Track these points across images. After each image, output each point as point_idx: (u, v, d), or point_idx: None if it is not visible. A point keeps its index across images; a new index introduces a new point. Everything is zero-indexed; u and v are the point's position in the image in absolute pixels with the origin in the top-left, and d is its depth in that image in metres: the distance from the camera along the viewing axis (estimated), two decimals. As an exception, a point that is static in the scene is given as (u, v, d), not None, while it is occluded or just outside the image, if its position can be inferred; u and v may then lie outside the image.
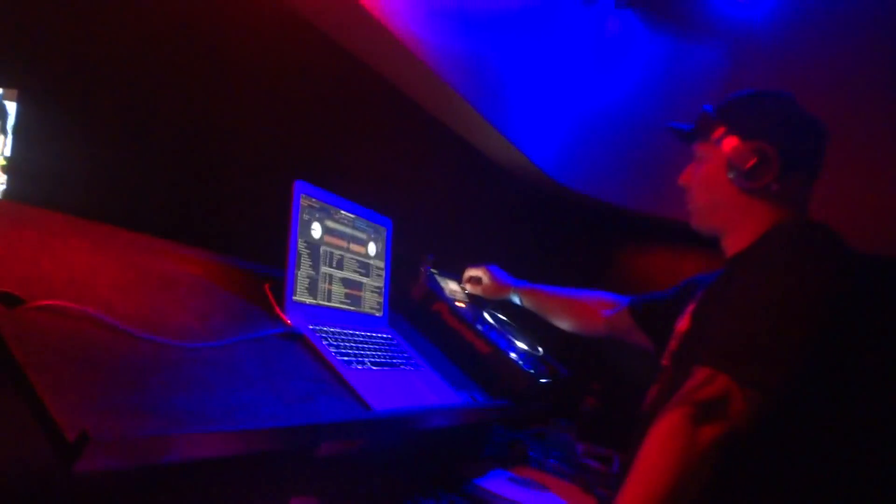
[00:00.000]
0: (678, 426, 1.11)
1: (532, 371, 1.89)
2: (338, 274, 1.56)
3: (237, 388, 1.02)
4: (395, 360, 1.53)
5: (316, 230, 1.50)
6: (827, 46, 2.56)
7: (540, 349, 2.19)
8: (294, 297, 1.41)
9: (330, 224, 1.55)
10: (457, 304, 2.05)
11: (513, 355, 1.93)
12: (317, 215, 1.50)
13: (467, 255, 2.52)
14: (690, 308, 1.48)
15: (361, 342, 1.50)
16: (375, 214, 1.73)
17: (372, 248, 1.71)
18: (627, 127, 2.65)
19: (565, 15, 2.36)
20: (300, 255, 1.44)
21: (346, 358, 1.36)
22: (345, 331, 1.49)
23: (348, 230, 1.61)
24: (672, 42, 2.66)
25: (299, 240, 1.44)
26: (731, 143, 1.37)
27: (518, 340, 2.09)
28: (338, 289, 1.55)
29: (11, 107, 1.19)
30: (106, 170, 1.33)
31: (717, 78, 2.68)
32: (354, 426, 1.15)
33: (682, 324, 1.47)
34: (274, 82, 1.67)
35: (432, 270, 2.10)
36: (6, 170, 1.20)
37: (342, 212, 1.60)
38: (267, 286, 1.44)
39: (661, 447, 1.11)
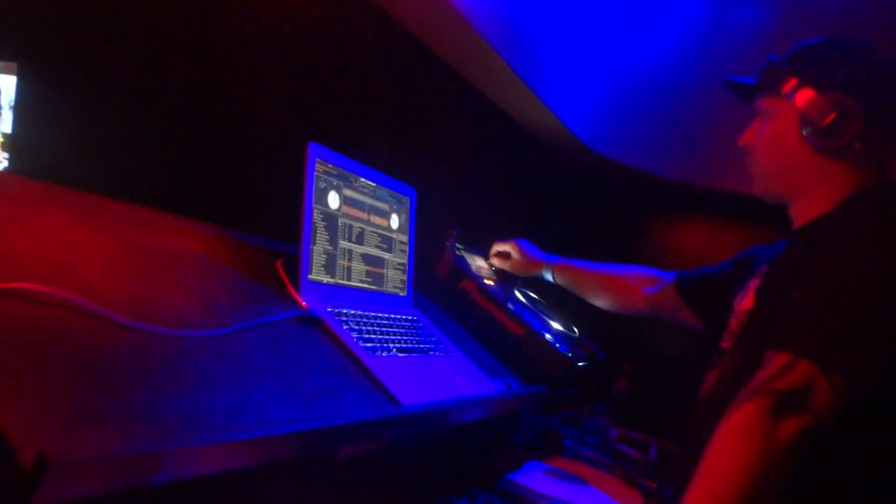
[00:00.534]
0: (756, 420, 0.96)
1: (570, 354, 1.73)
2: (358, 249, 1.39)
3: (246, 383, 0.86)
4: (422, 346, 1.37)
5: (333, 200, 1.33)
6: (878, 13, 2.34)
7: (576, 330, 2.02)
8: (309, 276, 1.25)
9: (348, 193, 1.38)
10: (486, 281, 1.88)
11: (548, 337, 1.76)
12: (334, 183, 1.33)
13: (494, 228, 2.34)
14: (753, 284, 1.31)
15: (385, 326, 1.34)
16: (398, 183, 1.56)
17: (395, 221, 1.54)
18: (664, 89, 2.45)
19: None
20: (316, 227, 1.27)
21: (369, 344, 1.20)
22: (367, 313, 1.33)
23: (369, 200, 1.45)
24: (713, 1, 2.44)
25: (315, 210, 1.27)
26: (805, 95, 1.19)
27: (553, 321, 1.92)
28: (358, 266, 1.39)
29: (10, 80, 1.12)
30: (108, 140, 1.17)
31: (761, 35, 2.47)
32: (383, 425, 0.99)
33: (745, 302, 1.30)
34: (282, 35, 1.50)
35: (458, 245, 1.93)
36: (6, 147, 1.10)
37: (362, 179, 1.43)
38: (279, 263, 1.27)
39: (736, 444, 0.95)
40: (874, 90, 1.17)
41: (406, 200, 1.59)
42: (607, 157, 2.40)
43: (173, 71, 1.29)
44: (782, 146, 1.24)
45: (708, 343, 1.48)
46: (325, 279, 1.29)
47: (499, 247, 2.03)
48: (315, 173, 1.28)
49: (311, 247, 1.25)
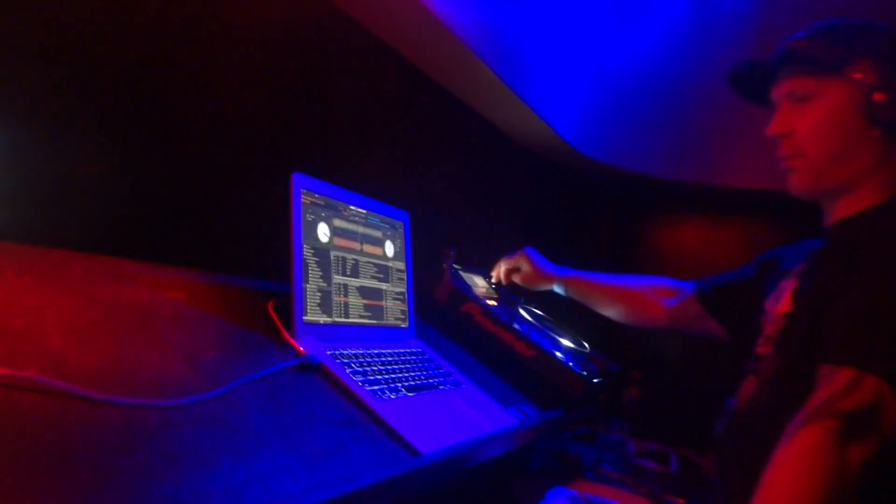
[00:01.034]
0: (822, 445, 0.87)
1: (585, 372, 1.63)
2: (353, 283, 1.29)
3: (245, 453, 0.75)
4: (431, 380, 1.27)
5: (323, 232, 1.23)
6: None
7: (586, 345, 1.92)
8: (304, 318, 1.14)
9: (338, 223, 1.28)
10: (488, 302, 1.79)
11: (559, 355, 1.67)
12: (322, 214, 1.23)
13: (489, 244, 2.25)
14: (788, 285, 1.22)
15: (390, 363, 1.23)
16: (390, 208, 1.46)
17: (389, 248, 1.44)
18: (651, 87, 2.39)
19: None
20: (307, 264, 1.17)
21: (375, 387, 1.10)
22: (369, 351, 1.23)
23: (361, 229, 1.35)
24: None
25: (304, 245, 1.17)
26: (869, 70, 1.07)
27: (562, 337, 1.83)
28: (355, 300, 1.29)
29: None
30: (68, 185, 1.06)
31: (744, 26, 2.41)
32: (401, 481, 0.88)
33: (782, 304, 1.21)
34: (253, 57, 1.40)
35: (455, 266, 1.84)
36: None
37: (351, 207, 1.33)
38: (270, 305, 1.17)
39: (803, 472, 0.87)
40: None
41: (399, 225, 1.49)
42: (599, 161, 2.33)
43: (135, 101, 1.19)
44: (840, 130, 1.10)
45: (736, 349, 1.39)
46: (322, 319, 1.18)
47: (507, 262, 1.91)
48: (301, 205, 1.18)
49: (303, 285, 1.15)
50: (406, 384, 1.18)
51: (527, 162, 2.43)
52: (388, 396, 1.09)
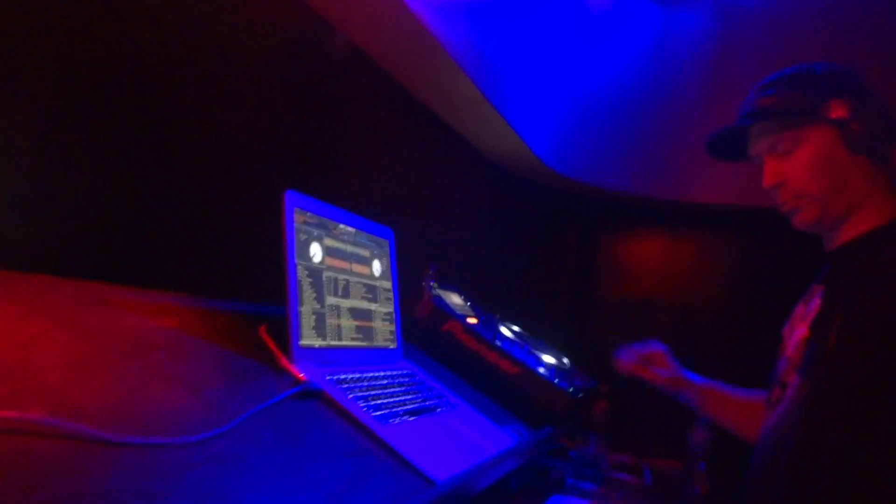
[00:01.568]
0: None
1: (570, 389, 1.62)
2: (345, 304, 1.25)
3: (264, 493, 0.70)
4: (427, 403, 1.24)
5: (315, 252, 1.18)
6: (821, 10, 2.38)
7: (566, 360, 1.92)
8: (301, 342, 1.09)
9: (329, 243, 1.23)
10: (468, 320, 1.76)
11: (543, 371, 1.65)
12: (315, 233, 1.19)
13: (463, 260, 2.23)
14: (800, 311, 1.27)
15: (386, 386, 1.19)
16: (375, 225, 1.42)
17: (377, 267, 1.40)
18: (617, 105, 2.42)
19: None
20: (301, 285, 1.12)
21: (378, 413, 1.05)
22: (364, 375, 1.18)
23: (349, 248, 1.30)
24: (659, 13, 2.44)
25: (298, 266, 1.12)
26: (837, 107, 1.16)
27: (543, 353, 1.81)
28: (347, 322, 1.24)
29: None
30: (43, 206, 0.98)
31: (707, 49, 2.47)
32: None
33: (800, 330, 1.23)
34: (234, 77, 1.35)
35: (433, 284, 1.81)
36: None
37: (341, 226, 1.28)
38: (262, 329, 1.12)
39: None
40: (868, 94, 1.18)
41: (385, 243, 1.45)
42: (568, 177, 2.34)
43: (117, 120, 1.12)
44: (830, 166, 1.17)
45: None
46: (317, 343, 1.13)
47: (640, 355, 1.62)
48: (295, 225, 1.13)
49: (298, 308, 1.10)
50: (405, 408, 1.14)
51: (498, 179, 2.43)
52: (392, 423, 1.05)
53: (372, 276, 1.37)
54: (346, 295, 1.25)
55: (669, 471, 2.28)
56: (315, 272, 1.17)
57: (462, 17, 1.46)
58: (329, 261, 1.22)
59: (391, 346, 1.39)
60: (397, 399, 1.16)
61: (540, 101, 2.03)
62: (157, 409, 0.74)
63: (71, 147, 1.03)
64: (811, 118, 1.17)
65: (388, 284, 1.43)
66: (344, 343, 1.22)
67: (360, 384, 1.12)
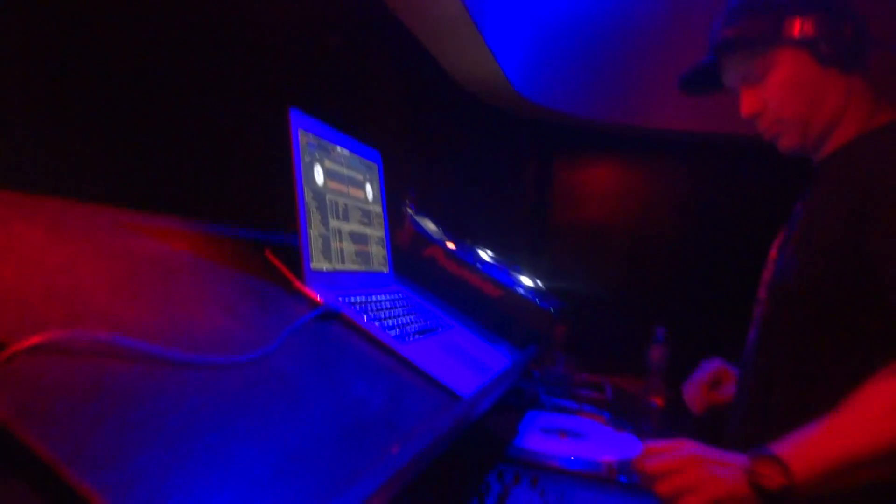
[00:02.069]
0: None
1: (551, 308, 1.67)
2: (346, 228, 1.23)
3: (326, 407, 0.71)
4: (429, 324, 1.26)
5: (318, 174, 1.16)
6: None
7: (539, 282, 1.97)
8: (311, 265, 1.08)
9: (329, 165, 1.21)
10: (448, 245, 1.77)
11: (522, 292, 1.69)
12: (316, 155, 1.16)
13: (424, 187, 2.22)
14: (781, 234, 1.27)
15: (390, 308, 1.20)
16: (366, 148, 1.40)
17: (369, 191, 1.38)
18: (584, 29, 2.41)
19: None
20: (308, 208, 1.10)
21: (393, 332, 1.06)
22: (370, 298, 1.18)
23: (346, 171, 1.28)
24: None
25: (305, 188, 1.10)
26: (802, 24, 1.13)
27: (520, 275, 1.85)
28: (348, 246, 1.23)
29: None
30: (44, 125, 0.92)
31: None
32: (458, 426, 0.87)
33: (773, 251, 1.26)
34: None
35: (412, 210, 1.80)
36: None
37: (338, 148, 1.25)
38: (268, 253, 1.10)
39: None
40: (833, 4, 1.15)
41: (375, 167, 1.43)
42: (535, 103, 2.34)
43: (105, 35, 1.04)
44: (804, 85, 1.16)
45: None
46: (325, 266, 1.12)
47: (707, 378, 1.44)
48: (300, 146, 1.10)
49: (308, 231, 1.08)
50: (412, 328, 1.16)
51: (466, 105, 2.40)
52: (410, 342, 1.07)
53: (366, 200, 1.36)
54: (345, 219, 1.24)
55: (629, 387, 2.41)
56: (319, 195, 1.14)
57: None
58: (330, 184, 1.19)
59: (384, 271, 1.40)
60: (404, 320, 1.17)
61: (515, 24, 2.00)
62: (204, 330, 0.73)
63: (69, 67, 0.96)
64: (776, 42, 1.15)
65: (379, 209, 1.42)
66: (346, 267, 1.21)
67: (368, 306, 1.13)
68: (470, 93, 2.29)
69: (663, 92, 2.48)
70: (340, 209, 1.22)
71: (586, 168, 2.99)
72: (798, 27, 1.14)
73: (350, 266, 1.22)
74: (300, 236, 1.06)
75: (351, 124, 1.55)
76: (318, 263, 1.11)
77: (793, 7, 1.15)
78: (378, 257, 1.37)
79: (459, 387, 0.98)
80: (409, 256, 1.72)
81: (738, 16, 1.20)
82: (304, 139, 1.12)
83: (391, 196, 1.75)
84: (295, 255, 1.07)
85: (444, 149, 2.44)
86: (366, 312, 1.07)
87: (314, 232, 1.11)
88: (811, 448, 0.87)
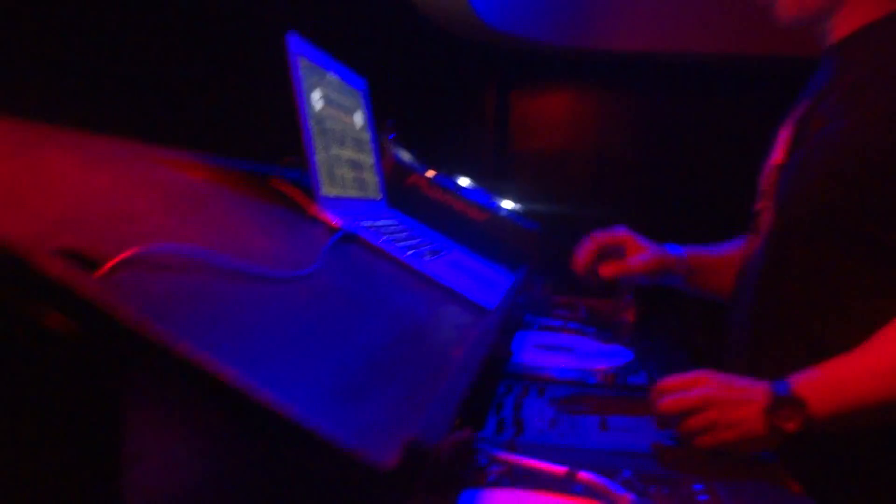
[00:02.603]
0: None
1: (536, 228, 1.71)
2: (344, 154, 1.22)
3: (383, 318, 0.73)
4: (434, 247, 1.27)
5: (317, 101, 1.14)
6: None
7: (513, 203, 2.00)
8: (322, 192, 1.07)
9: (325, 92, 1.18)
10: (427, 173, 1.77)
11: (505, 214, 1.72)
12: (314, 81, 1.14)
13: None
14: (784, 134, 1.13)
15: (398, 233, 1.21)
16: (352, 74, 1.37)
17: (358, 118, 1.37)
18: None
19: None
20: (313, 134, 1.08)
21: (409, 253, 1.08)
22: (375, 223, 1.19)
23: (339, 97, 1.26)
24: None
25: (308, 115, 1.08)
26: None
27: (498, 199, 1.88)
28: (347, 173, 1.22)
29: None
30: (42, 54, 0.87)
31: None
32: (493, 333, 0.90)
33: (776, 156, 1.13)
34: None
35: (391, 139, 1.79)
36: None
37: (329, 74, 1.23)
38: (274, 182, 1.08)
39: None
40: None
41: (360, 94, 1.41)
42: (494, 29, 2.32)
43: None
44: None
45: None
46: (333, 192, 1.12)
47: (598, 246, 1.29)
48: (300, 72, 1.07)
49: (315, 157, 1.07)
50: (423, 250, 1.17)
51: (429, 36, 2.36)
52: (427, 261, 1.08)
53: (357, 127, 1.34)
54: (343, 145, 1.23)
55: (601, 306, 2.50)
56: (320, 121, 1.13)
57: None
58: (327, 110, 1.18)
59: (378, 198, 1.40)
60: (412, 242, 1.19)
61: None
62: (255, 250, 0.73)
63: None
64: None
65: (367, 136, 1.41)
66: (348, 193, 1.21)
67: (378, 230, 1.13)
68: (434, 22, 2.25)
69: (621, 11, 2.49)
70: (338, 136, 1.21)
71: (545, 95, 3.00)
72: None
73: (350, 193, 1.22)
74: (309, 163, 1.05)
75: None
76: (327, 189, 1.10)
77: None
78: (372, 184, 1.37)
79: (483, 300, 1.00)
80: (390, 186, 1.71)
81: None
82: (303, 65, 1.09)
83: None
84: (297, 185, 1.07)
85: (408, 80, 2.41)
86: (381, 235, 1.08)
87: (320, 158, 1.09)
88: (835, 389, 0.84)
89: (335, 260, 0.87)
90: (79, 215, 0.55)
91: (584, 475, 0.67)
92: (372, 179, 1.37)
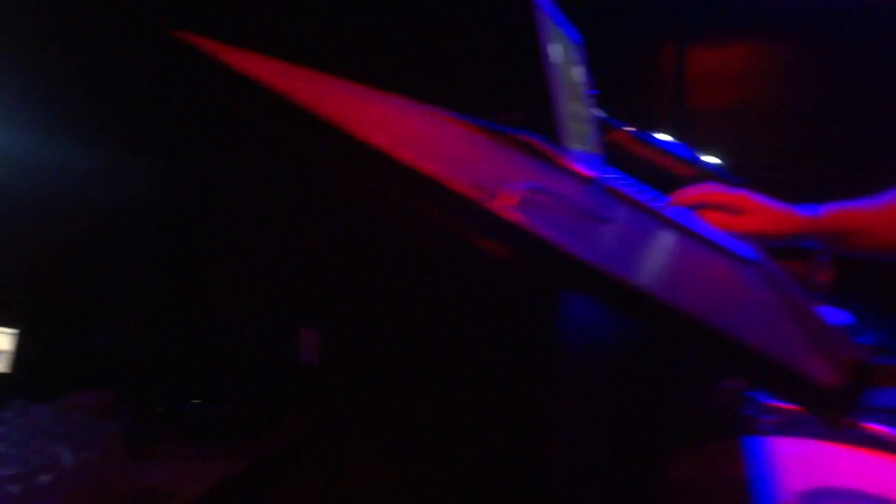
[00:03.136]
0: None
1: (742, 185, 1.63)
2: (573, 107, 1.22)
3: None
4: (663, 203, 1.24)
5: (555, 53, 1.13)
6: None
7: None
8: (566, 144, 1.08)
9: (556, 45, 1.18)
10: (628, 128, 1.73)
11: (711, 168, 1.66)
12: (551, 34, 1.13)
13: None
14: None
15: (628, 187, 1.19)
16: (571, 27, 1.36)
17: (579, 72, 1.36)
18: None
19: None
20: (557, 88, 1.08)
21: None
22: (606, 176, 1.18)
23: (566, 51, 1.25)
24: None
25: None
26: None
27: (700, 154, 1.81)
28: (577, 127, 1.22)
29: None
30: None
31: None
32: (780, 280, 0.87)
33: None
34: None
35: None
36: None
37: (557, 27, 1.22)
38: (519, 138, 1.10)
39: None
40: None
41: (579, 48, 1.40)
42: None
43: None
44: None
45: None
46: (572, 145, 1.12)
47: (718, 199, 1.20)
48: (543, 24, 1.07)
49: (561, 110, 1.07)
50: (664, 204, 1.15)
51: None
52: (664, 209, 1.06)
53: (578, 82, 1.33)
54: (575, 99, 1.22)
55: (795, 268, 2.37)
56: (558, 75, 1.13)
57: None
58: (561, 64, 1.17)
59: (598, 153, 1.38)
60: (650, 195, 1.17)
61: None
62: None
63: None
64: None
65: (584, 91, 1.39)
66: (581, 147, 1.20)
67: (620, 184, 1.12)
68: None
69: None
70: (570, 89, 1.20)
71: (725, 48, 2.85)
72: None
73: (582, 146, 1.22)
74: (553, 115, 1.06)
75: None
76: (569, 142, 1.10)
77: None
78: (592, 139, 1.36)
79: (744, 252, 0.97)
80: (592, 143, 1.70)
81: None
82: (540, 16, 1.09)
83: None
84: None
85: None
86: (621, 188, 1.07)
87: (562, 111, 1.10)
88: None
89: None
90: (450, 158, 0.58)
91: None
92: (591, 134, 1.36)
